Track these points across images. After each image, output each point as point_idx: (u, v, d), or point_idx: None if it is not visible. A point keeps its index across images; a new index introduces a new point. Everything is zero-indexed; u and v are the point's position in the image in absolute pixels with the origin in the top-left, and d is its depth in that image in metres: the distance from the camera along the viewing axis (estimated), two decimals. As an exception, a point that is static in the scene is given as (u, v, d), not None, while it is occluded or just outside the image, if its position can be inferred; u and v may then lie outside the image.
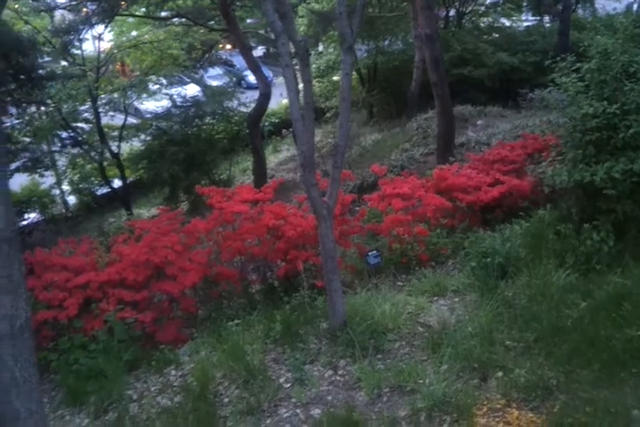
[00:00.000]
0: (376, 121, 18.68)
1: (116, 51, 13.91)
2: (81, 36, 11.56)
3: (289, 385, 4.37)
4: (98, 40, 13.38)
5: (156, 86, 15.29)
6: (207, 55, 16.01)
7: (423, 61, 13.98)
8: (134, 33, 15.17)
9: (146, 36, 14.27)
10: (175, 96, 15.56)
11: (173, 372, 5.36)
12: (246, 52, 12.36)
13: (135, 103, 16.61)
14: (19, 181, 14.94)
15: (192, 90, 16.86)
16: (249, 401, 4.14)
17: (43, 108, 11.96)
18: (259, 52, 27.13)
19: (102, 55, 13.70)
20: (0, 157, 1.90)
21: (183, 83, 17.19)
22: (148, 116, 16.48)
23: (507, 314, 4.61)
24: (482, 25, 20.37)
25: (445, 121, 10.66)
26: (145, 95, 15.10)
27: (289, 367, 4.59)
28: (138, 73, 16.06)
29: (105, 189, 16.91)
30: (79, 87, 11.75)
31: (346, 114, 4.28)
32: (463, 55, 16.14)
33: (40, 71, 9.49)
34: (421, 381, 3.93)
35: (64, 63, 12.85)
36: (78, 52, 13.17)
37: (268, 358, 4.81)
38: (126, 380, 5.35)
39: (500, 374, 3.75)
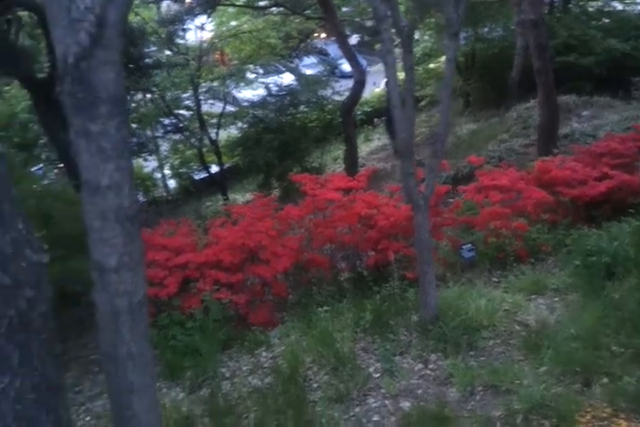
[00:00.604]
0: (472, 110, 18.10)
1: (216, 40, 14.35)
2: (185, 26, 12.02)
3: (378, 375, 4.35)
4: (200, 30, 13.85)
5: (253, 75, 15.67)
6: (303, 44, 16.11)
7: (525, 48, 13.37)
8: (234, 23, 15.57)
9: (245, 26, 14.60)
10: (271, 85, 15.87)
11: (264, 353, 5.50)
12: (342, 40, 12.33)
13: (233, 92, 17.12)
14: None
15: (287, 79, 17.13)
16: (338, 388, 4.17)
17: (148, 96, 12.58)
18: (353, 40, 27.04)
19: (204, 45, 14.19)
20: (125, 136, 1.95)
21: (279, 72, 17.52)
22: (245, 104, 16.95)
23: (613, 317, 4.32)
24: (590, 9, 19.08)
25: (548, 111, 10.12)
26: (242, 84, 15.52)
27: (378, 357, 4.57)
28: (236, 62, 16.50)
29: (203, 175, 17.66)
30: (182, 76, 12.25)
31: (447, 101, 4.15)
32: (569, 42, 15.22)
33: (147, 60, 9.96)
34: (518, 381, 3.77)
35: (168, 53, 13.44)
36: (182, 41, 13.73)
37: (358, 346, 4.81)
38: (220, 358, 5.55)
39: (605, 380, 3.53)
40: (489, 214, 6.51)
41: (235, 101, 19.01)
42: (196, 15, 12.08)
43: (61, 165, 12.39)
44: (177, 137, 14.79)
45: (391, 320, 4.96)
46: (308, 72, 20.22)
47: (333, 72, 22.69)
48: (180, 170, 17.29)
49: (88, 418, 5.41)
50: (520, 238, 6.41)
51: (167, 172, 18.04)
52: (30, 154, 10.99)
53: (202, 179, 18.04)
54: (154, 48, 12.41)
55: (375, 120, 18.52)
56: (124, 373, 1.89)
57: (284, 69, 18.25)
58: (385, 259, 6.29)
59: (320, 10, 12.56)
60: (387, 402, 3.94)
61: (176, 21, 11.43)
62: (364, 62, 23.40)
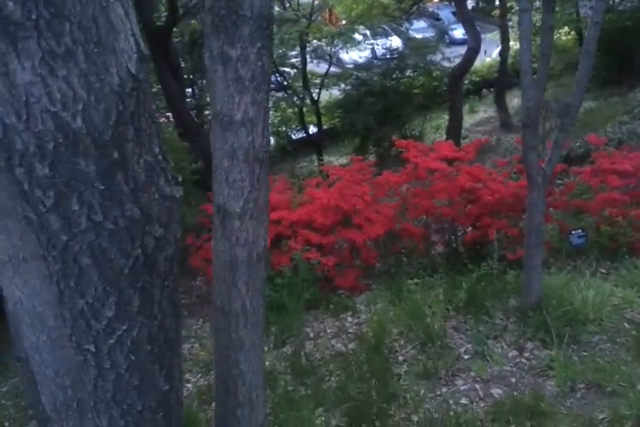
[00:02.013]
0: (590, 87, 16.76)
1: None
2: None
3: (468, 357, 4.17)
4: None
5: (361, 37, 15.22)
6: (416, 6, 15.41)
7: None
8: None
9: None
10: (378, 47, 15.37)
11: (349, 318, 5.45)
12: (461, 2, 11.62)
13: (339, 52, 16.78)
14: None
15: (395, 42, 16.54)
16: (425, 365, 4.04)
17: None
18: (467, 6, 25.66)
19: (315, 2, 13.90)
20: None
21: (387, 34, 16.92)
22: (349, 66, 16.59)
23: None
24: None
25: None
26: (349, 45, 15.14)
27: (469, 339, 4.38)
28: (345, 22, 16.09)
29: (300, 134, 17.66)
30: (291, 32, 12.09)
31: (586, 69, 3.74)
32: None
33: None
34: (625, 384, 3.47)
35: (277, 9, 13.28)
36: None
37: (448, 324, 4.64)
38: (305, 318, 5.57)
39: None
40: (605, 200, 6.00)
41: (339, 62, 18.69)
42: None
43: (168, 113, 12.79)
44: (280, 94, 14.74)
45: (487, 302, 4.72)
46: (418, 36, 19.48)
47: (443, 38, 21.76)
48: (280, 128, 17.35)
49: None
50: (637, 229, 5.88)
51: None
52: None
53: (299, 138, 18.08)
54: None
55: (483, 91, 17.62)
56: (235, 328, 1.82)
57: (392, 32, 17.64)
58: (484, 236, 5.99)
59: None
60: (477, 386, 3.77)
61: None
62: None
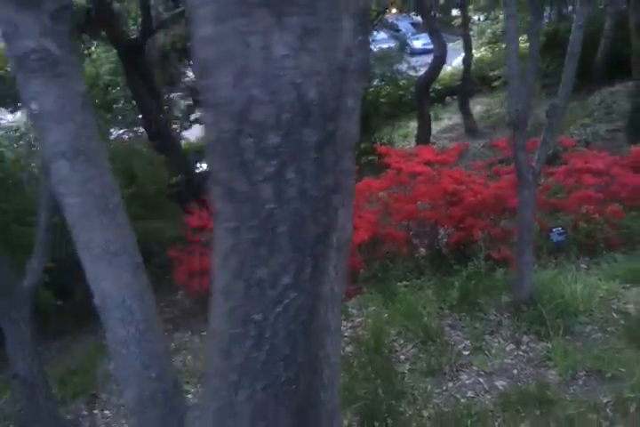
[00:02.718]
0: (548, 93, 17.38)
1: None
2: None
3: (468, 353, 4.28)
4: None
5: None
6: (380, 17, 15.74)
7: (613, 30, 12.68)
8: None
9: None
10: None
11: (344, 322, 5.50)
12: (426, 13, 11.95)
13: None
14: (195, 133, 16.12)
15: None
16: (428, 362, 4.12)
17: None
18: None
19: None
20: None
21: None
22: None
23: None
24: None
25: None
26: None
27: (466, 335, 4.49)
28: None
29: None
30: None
31: (570, 71, 3.93)
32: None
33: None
34: (623, 369, 3.63)
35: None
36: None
37: (444, 322, 4.74)
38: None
39: None
40: (581, 198, 6.24)
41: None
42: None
43: (136, 129, 12.68)
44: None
45: (479, 299, 4.85)
46: (379, 47, 19.85)
47: (404, 48, 22.26)
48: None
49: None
50: (613, 225, 6.13)
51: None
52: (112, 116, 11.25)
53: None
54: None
55: (447, 98, 18.04)
56: (325, 311, 1.83)
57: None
58: (468, 237, 6.15)
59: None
60: (480, 380, 3.87)
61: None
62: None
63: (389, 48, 17.75)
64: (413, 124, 17.34)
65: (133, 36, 8.81)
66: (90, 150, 1.78)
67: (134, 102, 12.14)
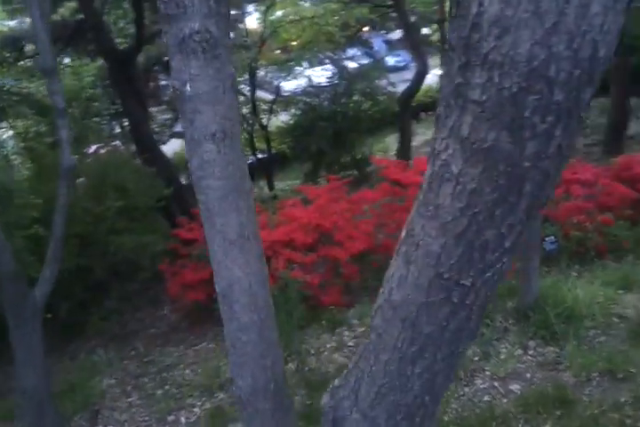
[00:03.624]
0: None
1: (277, 25, 14.34)
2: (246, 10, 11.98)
3: (478, 358, 4.33)
4: (265, 13, 13.84)
5: (301, 67, 15.52)
6: (359, 33, 16.02)
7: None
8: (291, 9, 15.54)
9: (303, 12, 14.57)
10: (318, 75, 15.67)
11: (346, 333, 5.52)
12: (409, 30, 12.23)
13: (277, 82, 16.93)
14: (172, 148, 16.00)
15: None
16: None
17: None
18: (397, 35, 26.91)
19: (264, 30, 14.18)
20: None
21: (322, 63, 17.27)
22: (286, 94, 16.73)
23: None
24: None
25: (621, 110, 9.93)
26: (287, 74, 15.48)
27: (475, 341, 4.54)
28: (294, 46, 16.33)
29: (248, 160, 17.66)
30: (243, 59, 12.26)
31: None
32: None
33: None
34: (633, 370, 3.73)
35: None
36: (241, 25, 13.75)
37: (450, 329, 4.79)
38: (299, 335, 5.58)
39: None
40: (570, 209, 6.42)
41: (278, 91, 18.85)
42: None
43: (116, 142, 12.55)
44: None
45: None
46: (352, 65, 20.15)
47: (379, 65, 22.65)
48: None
49: (168, 387, 5.49)
50: (602, 234, 6.32)
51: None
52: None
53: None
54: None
55: (421, 114, 18.36)
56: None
57: (327, 61, 18.12)
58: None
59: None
60: (495, 384, 3.92)
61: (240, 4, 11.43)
62: (407, 56, 23.30)
63: (364, 65, 18.05)
64: (390, 140, 17.61)
65: (124, 49, 8.78)
66: (235, 133, 1.82)
67: (115, 116, 12.07)
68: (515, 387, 3.86)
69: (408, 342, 1.33)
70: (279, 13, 15.59)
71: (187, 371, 5.83)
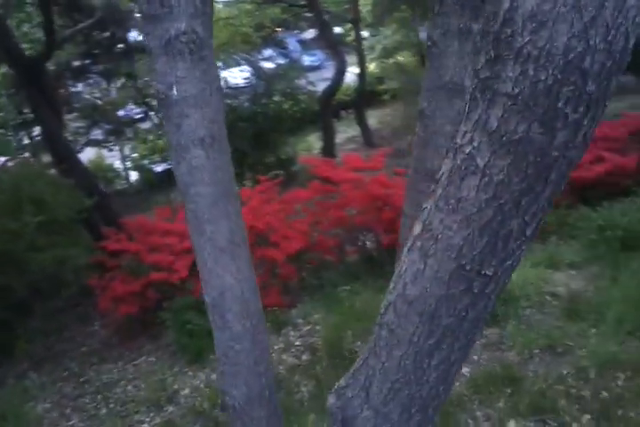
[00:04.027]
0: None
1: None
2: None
3: (425, 345, 4.43)
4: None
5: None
6: (273, 34, 16.01)
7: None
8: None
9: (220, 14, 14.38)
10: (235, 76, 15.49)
11: (292, 333, 5.49)
12: (325, 29, 12.32)
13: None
14: (87, 156, 15.33)
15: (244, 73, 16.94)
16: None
17: (122, 82, 12.16)
18: (310, 34, 27.15)
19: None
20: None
21: (238, 64, 17.11)
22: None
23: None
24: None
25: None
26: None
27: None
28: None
29: (164, 166, 17.22)
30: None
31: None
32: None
33: (130, 43, 9.59)
34: (571, 343, 3.95)
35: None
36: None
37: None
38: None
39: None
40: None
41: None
42: None
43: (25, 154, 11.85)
44: (147, 126, 14.35)
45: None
46: (268, 65, 20.14)
47: (294, 65, 22.74)
48: (144, 161, 16.84)
49: (112, 405, 5.25)
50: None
51: (128, 164, 17.52)
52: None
53: (164, 171, 17.65)
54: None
55: (341, 112, 18.61)
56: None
57: (242, 62, 17.99)
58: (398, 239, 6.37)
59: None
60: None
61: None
62: (321, 56, 23.58)
63: (280, 65, 18.08)
64: (311, 139, 17.73)
65: (31, 55, 8.23)
66: (222, 137, 1.78)
67: (22, 126, 11.39)
68: (464, 370, 3.97)
69: (425, 335, 1.34)
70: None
71: (129, 387, 5.60)
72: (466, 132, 1.19)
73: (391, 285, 1.43)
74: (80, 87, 10.57)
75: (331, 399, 1.58)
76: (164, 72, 1.69)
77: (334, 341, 4.74)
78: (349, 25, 18.42)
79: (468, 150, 1.19)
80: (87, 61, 9.18)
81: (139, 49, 9.93)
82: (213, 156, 1.76)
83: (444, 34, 1.90)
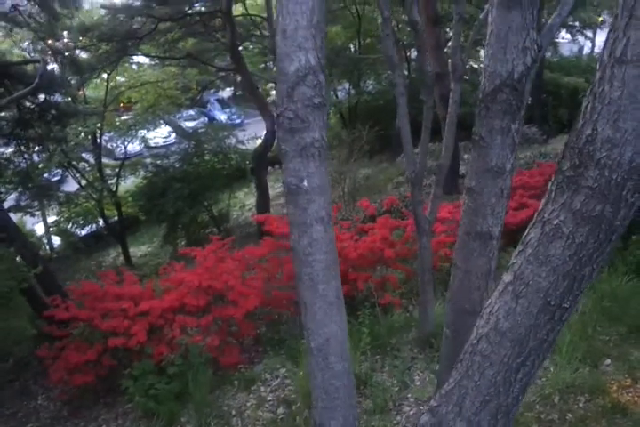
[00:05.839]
0: (356, 158, 19.46)
1: (122, 89, 14.21)
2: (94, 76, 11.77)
3: (397, 389, 4.69)
4: (107, 79, 13.63)
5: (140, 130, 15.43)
6: (200, 95, 16.45)
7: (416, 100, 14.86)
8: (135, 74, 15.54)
9: (144, 77, 14.65)
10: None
11: (262, 388, 5.57)
12: (253, 90, 12.85)
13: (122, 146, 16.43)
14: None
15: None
16: (373, 402, 4.43)
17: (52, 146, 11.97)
18: (226, 93, 27.91)
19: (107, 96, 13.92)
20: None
21: (157, 125, 17.12)
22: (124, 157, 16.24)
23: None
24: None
25: (453, 153, 11.27)
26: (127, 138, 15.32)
27: (390, 374, 4.92)
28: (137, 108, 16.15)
29: (89, 230, 16.79)
30: (88, 126, 11.90)
31: (451, 137, 4.79)
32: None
33: (63, 108, 9.58)
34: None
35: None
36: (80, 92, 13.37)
37: (363, 367, 5.12)
38: (212, 398, 5.51)
39: (608, 361, 4.24)
40: (437, 243, 7.23)
41: (110, 154, 18.07)
42: (106, 65, 11.92)
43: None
44: (73, 189, 14.07)
45: (391, 340, 5.34)
46: (188, 124, 20.46)
47: (220, 125, 23.18)
48: (69, 225, 16.33)
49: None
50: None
51: (50, 228, 16.94)
52: None
53: (89, 234, 17.18)
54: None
55: (269, 168, 19.06)
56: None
57: (162, 122, 18.10)
58: (353, 290, 6.68)
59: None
60: (421, 408, 4.29)
61: (87, 70, 11.17)
62: (240, 113, 24.23)
63: (200, 123, 18.42)
64: (241, 194, 18.01)
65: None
66: (330, 216, 2.25)
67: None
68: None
69: (514, 356, 1.75)
70: (120, 79, 15.50)
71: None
72: (553, 211, 1.72)
73: (479, 322, 1.88)
74: (8, 153, 10.35)
75: (425, 418, 1.91)
76: (297, 169, 2.14)
77: (309, 391, 4.89)
78: (270, 84, 19.29)
79: (555, 222, 1.72)
80: (18, 128, 9.11)
81: (69, 114, 9.95)
82: (329, 230, 2.13)
83: (490, 131, 2.49)
